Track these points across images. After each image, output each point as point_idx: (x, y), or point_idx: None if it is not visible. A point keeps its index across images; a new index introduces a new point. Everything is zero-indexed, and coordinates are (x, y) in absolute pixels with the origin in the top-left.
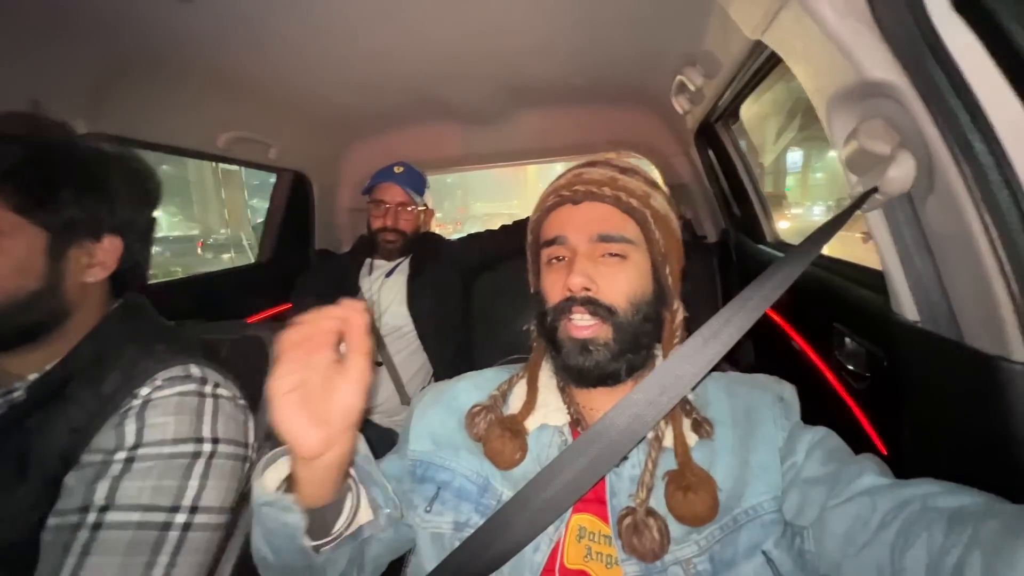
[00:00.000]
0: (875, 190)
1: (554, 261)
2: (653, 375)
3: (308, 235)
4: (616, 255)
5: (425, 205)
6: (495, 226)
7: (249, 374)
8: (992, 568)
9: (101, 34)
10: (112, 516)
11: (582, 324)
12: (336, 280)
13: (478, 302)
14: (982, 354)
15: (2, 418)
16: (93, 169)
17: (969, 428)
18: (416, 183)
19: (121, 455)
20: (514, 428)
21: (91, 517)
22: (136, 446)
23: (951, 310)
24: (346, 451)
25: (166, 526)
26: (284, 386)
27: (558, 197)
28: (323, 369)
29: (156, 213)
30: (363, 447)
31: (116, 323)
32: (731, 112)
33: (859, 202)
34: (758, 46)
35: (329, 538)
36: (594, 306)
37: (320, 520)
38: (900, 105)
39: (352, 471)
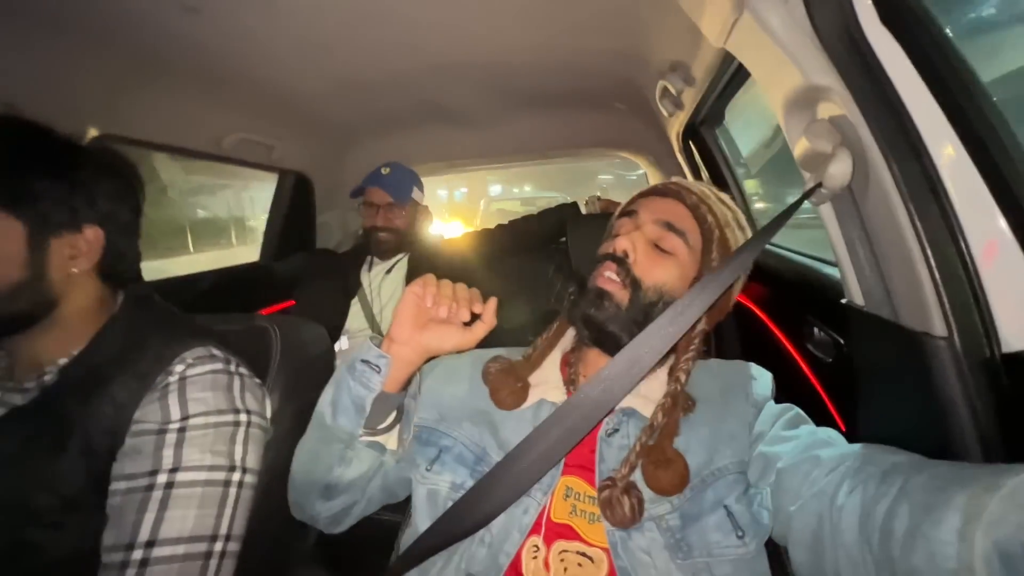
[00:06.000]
0: (819, 185)
1: (619, 233)
2: (623, 351)
3: (310, 235)
4: (667, 252)
5: (416, 202)
6: None
7: (253, 362)
8: (918, 523)
9: (111, 40)
10: (182, 476)
11: (610, 278)
12: (338, 276)
13: None
14: (912, 331)
15: (38, 399)
16: (67, 163)
17: (905, 398)
18: (404, 182)
19: (175, 425)
20: (518, 374)
21: (162, 478)
22: (186, 417)
23: (888, 293)
24: (416, 362)
25: (227, 483)
26: (417, 290)
27: (651, 188)
28: (445, 315)
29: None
30: (414, 388)
31: (134, 311)
32: (715, 115)
33: (805, 195)
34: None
35: (371, 430)
36: (625, 270)
37: (377, 408)
38: (839, 107)
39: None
